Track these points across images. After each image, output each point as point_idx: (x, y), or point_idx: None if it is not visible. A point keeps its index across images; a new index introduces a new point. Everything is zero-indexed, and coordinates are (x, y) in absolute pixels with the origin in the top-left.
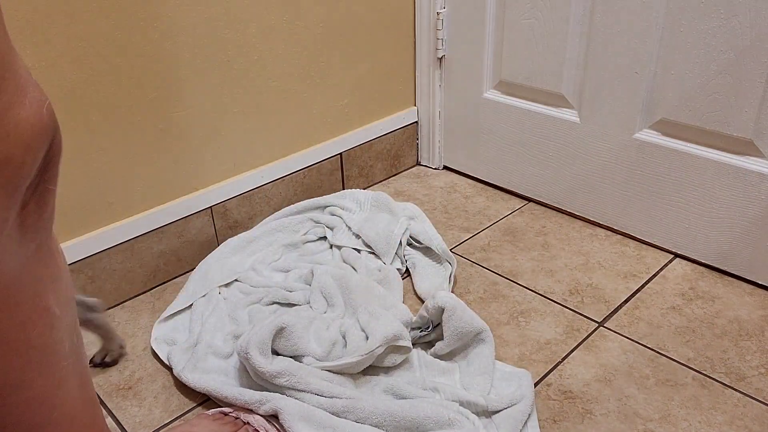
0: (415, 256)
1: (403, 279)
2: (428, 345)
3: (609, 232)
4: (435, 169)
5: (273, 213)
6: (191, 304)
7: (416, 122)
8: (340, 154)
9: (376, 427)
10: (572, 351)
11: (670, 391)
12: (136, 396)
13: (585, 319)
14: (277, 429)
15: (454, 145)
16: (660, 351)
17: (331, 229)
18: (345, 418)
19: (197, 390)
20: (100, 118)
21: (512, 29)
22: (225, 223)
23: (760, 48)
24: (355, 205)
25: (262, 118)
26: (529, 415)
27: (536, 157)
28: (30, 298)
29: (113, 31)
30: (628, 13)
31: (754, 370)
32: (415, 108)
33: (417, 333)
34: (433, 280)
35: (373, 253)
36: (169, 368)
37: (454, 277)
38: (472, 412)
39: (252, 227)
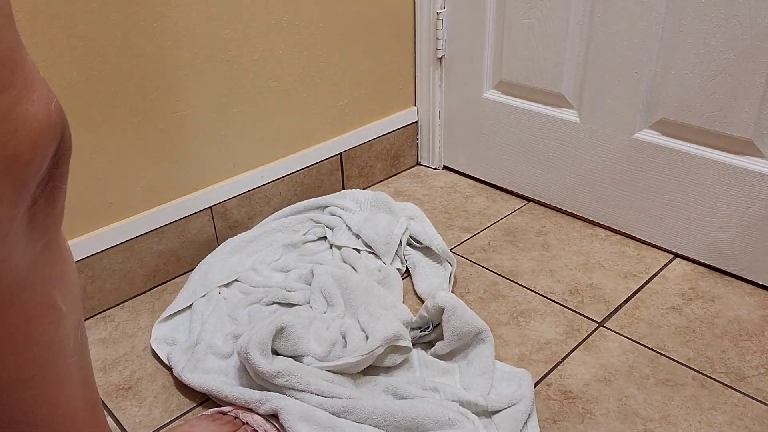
0: (415, 256)
1: (403, 279)
2: (428, 345)
3: (609, 232)
4: (435, 169)
5: (273, 213)
6: (191, 304)
7: (416, 122)
8: (340, 154)
9: (376, 427)
10: (572, 351)
11: (670, 391)
12: (136, 396)
13: (585, 319)
14: (277, 429)
15: (454, 145)
16: (660, 351)
17: (331, 229)
18: (345, 418)
19: (197, 390)
20: (100, 118)
21: (512, 29)
22: (225, 223)
23: (760, 48)
24: (355, 205)
25: (262, 118)
26: (529, 415)
27: (536, 157)
28: (37, 295)
29: (113, 31)
30: (628, 13)
31: (754, 370)
32: (415, 108)
33: (417, 333)
34: (433, 280)
35: (373, 253)
36: (169, 368)
37: (454, 277)
38: (472, 412)
39: (252, 227)
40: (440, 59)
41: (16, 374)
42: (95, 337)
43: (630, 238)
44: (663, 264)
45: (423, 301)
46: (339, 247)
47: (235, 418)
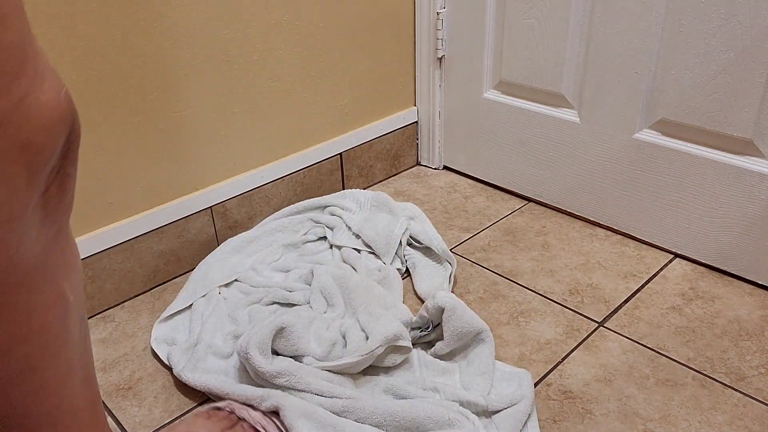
0: (415, 256)
1: (403, 279)
2: (428, 345)
3: (609, 232)
4: (435, 169)
5: (273, 213)
6: (191, 304)
7: (416, 122)
8: (340, 154)
9: (376, 427)
10: (572, 351)
11: (670, 391)
12: (136, 396)
13: (585, 319)
14: (276, 424)
15: (454, 145)
16: (660, 351)
17: (331, 229)
18: (345, 417)
19: (198, 388)
20: (100, 118)
21: (512, 29)
22: (225, 223)
23: (760, 48)
24: (355, 205)
25: (262, 118)
26: (529, 415)
27: (536, 157)
28: (48, 283)
29: (113, 31)
30: (628, 13)
31: (754, 370)
32: (415, 108)
33: (417, 333)
34: (433, 280)
35: (373, 253)
36: (169, 368)
37: (454, 277)
38: (472, 412)
39: (252, 227)
40: (440, 59)
41: (25, 363)
42: (95, 337)
43: (630, 238)
44: (663, 264)
45: (423, 301)
46: (339, 247)
47: (231, 413)
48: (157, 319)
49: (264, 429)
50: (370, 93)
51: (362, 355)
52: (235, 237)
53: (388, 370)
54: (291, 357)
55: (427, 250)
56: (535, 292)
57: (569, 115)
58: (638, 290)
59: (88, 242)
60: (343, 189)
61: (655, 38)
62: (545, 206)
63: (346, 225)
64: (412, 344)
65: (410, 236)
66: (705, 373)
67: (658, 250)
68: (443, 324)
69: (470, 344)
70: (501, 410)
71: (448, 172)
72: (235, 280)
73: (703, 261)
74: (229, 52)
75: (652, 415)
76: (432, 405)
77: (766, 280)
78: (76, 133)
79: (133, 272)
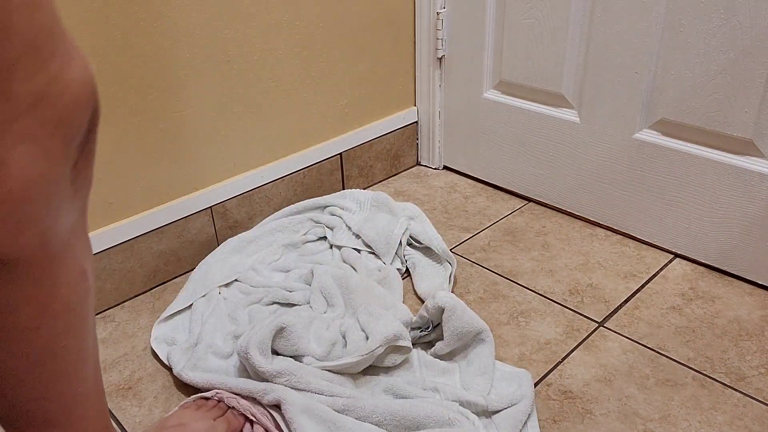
0: (415, 256)
1: (403, 279)
2: (428, 345)
3: (609, 232)
4: (435, 169)
5: (273, 213)
6: (191, 304)
7: (416, 122)
8: (340, 154)
9: (376, 425)
10: (572, 351)
11: (670, 391)
12: (136, 396)
13: (585, 319)
14: (267, 413)
15: (454, 145)
16: (660, 351)
17: (331, 229)
18: (346, 416)
19: (198, 387)
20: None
21: (512, 29)
22: (225, 223)
23: (760, 48)
24: (355, 205)
25: (262, 118)
26: (529, 415)
27: (536, 157)
28: (73, 260)
29: (113, 31)
30: (628, 13)
31: (754, 370)
32: (415, 108)
33: (417, 333)
34: (433, 280)
35: (373, 253)
36: (169, 368)
37: (454, 277)
38: (472, 412)
39: (252, 227)
40: (440, 59)
41: (52, 343)
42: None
43: (630, 238)
44: (663, 264)
45: (423, 301)
46: (339, 247)
47: (219, 401)
48: (157, 319)
49: (254, 416)
50: (370, 93)
51: (362, 355)
52: (235, 237)
53: (388, 370)
54: (291, 357)
55: (427, 250)
56: (535, 292)
57: (569, 115)
58: (638, 290)
59: None
60: (343, 189)
61: (655, 38)
62: (545, 206)
63: (346, 225)
64: (412, 344)
65: (410, 236)
66: (705, 373)
67: (658, 250)
68: (443, 324)
69: (470, 344)
70: (501, 410)
71: (448, 172)
72: (235, 280)
73: (703, 261)
74: (229, 52)
75: (652, 415)
76: (432, 404)
77: (766, 280)
78: (98, 109)
79: (133, 272)
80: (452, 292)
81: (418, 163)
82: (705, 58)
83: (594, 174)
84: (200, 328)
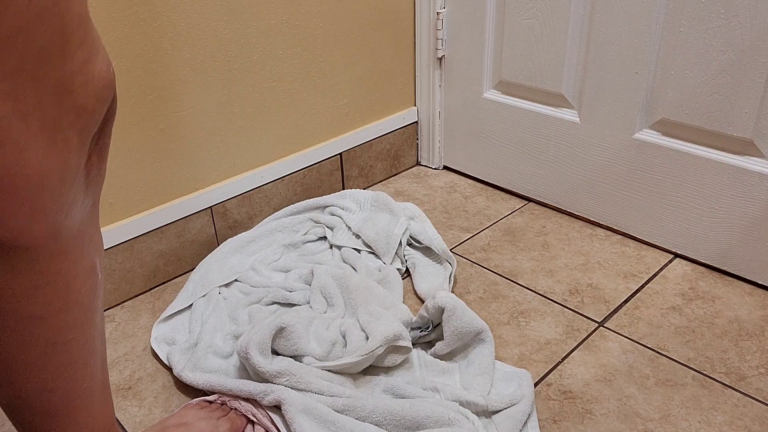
0: (415, 256)
1: (403, 279)
2: (428, 345)
3: (609, 232)
4: (435, 169)
5: (273, 213)
6: (191, 304)
7: (416, 122)
8: (340, 154)
9: (376, 425)
10: (572, 351)
11: (670, 391)
12: (136, 396)
13: (585, 319)
14: (268, 415)
15: (454, 145)
16: (660, 351)
17: (331, 229)
18: (345, 416)
19: (199, 387)
20: None
21: (512, 29)
22: (225, 223)
23: (760, 48)
24: (355, 205)
25: (262, 118)
26: (529, 415)
27: (536, 157)
28: (84, 254)
29: (113, 31)
30: (628, 13)
31: (754, 370)
32: (415, 108)
33: (417, 333)
34: (433, 280)
35: (373, 253)
36: (169, 368)
37: (454, 277)
38: (472, 412)
39: (252, 227)
40: (440, 59)
41: (60, 335)
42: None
43: (630, 238)
44: (663, 264)
45: (423, 301)
46: (339, 247)
47: (222, 404)
48: (157, 319)
49: (255, 417)
50: (370, 93)
51: (362, 355)
52: (235, 237)
53: (388, 370)
54: (291, 357)
55: (427, 250)
56: (535, 292)
57: (569, 115)
58: (638, 290)
59: None
60: (343, 189)
61: (655, 38)
62: (545, 206)
63: (346, 225)
64: (412, 344)
65: (410, 236)
66: (705, 373)
67: (658, 250)
68: (443, 324)
69: (470, 344)
70: (501, 410)
71: (448, 172)
72: (235, 280)
73: (703, 261)
74: (229, 52)
75: (652, 415)
76: (432, 404)
77: (766, 280)
78: (115, 103)
79: (133, 272)
80: (452, 292)
81: (418, 163)
82: (705, 58)
83: (594, 174)
84: (200, 328)
